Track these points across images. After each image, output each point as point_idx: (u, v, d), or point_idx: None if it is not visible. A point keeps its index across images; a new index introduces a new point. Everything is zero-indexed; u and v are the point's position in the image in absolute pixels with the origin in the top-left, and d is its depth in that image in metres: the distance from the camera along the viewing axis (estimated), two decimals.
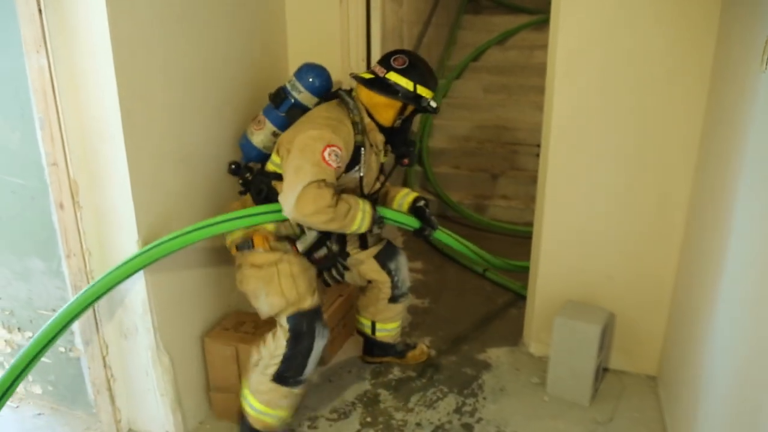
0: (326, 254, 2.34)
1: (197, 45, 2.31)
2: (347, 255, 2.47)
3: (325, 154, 2.13)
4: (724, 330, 1.86)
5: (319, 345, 2.30)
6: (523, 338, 3.14)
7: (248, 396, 2.32)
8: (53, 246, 2.24)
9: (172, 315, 2.32)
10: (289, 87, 2.41)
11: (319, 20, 2.96)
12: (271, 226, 2.30)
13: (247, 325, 2.56)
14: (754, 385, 1.58)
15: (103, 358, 2.34)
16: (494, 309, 3.54)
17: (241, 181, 2.41)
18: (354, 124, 2.29)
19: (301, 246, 2.30)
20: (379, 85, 2.30)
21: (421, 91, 2.31)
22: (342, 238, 2.43)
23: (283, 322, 2.27)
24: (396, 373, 2.88)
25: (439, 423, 2.52)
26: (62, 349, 2.44)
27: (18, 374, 1.94)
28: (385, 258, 2.66)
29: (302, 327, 2.26)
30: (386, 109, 2.35)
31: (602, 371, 2.76)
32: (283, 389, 2.29)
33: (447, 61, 6.20)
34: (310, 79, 2.40)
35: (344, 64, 3.00)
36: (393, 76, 2.29)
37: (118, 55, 1.92)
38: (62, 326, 2.00)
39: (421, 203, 2.58)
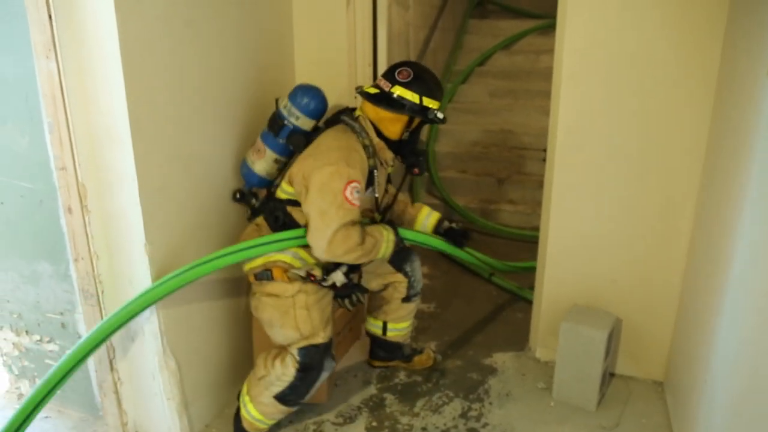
0: (346, 284, 2.37)
1: (205, 50, 2.32)
2: (365, 290, 2.53)
3: (347, 193, 2.15)
4: (731, 335, 1.85)
5: (324, 376, 2.35)
6: (529, 343, 3.13)
7: (247, 402, 2.37)
8: (61, 250, 2.25)
9: (178, 319, 2.33)
10: (285, 113, 2.39)
11: (325, 24, 2.97)
12: (288, 259, 2.31)
13: None
14: (762, 390, 1.58)
15: (110, 362, 2.35)
16: (500, 314, 3.53)
17: (249, 208, 2.44)
18: (365, 147, 2.30)
19: (330, 281, 2.33)
20: (385, 100, 2.30)
21: (428, 102, 2.31)
22: (360, 269, 2.49)
23: (294, 352, 2.29)
24: (402, 377, 2.88)
25: (445, 428, 2.52)
26: None
27: (24, 418, 1.91)
28: (399, 261, 2.69)
29: (313, 361, 2.29)
30: (393, 124, 2.35)
31: (608, 376, 2.75)
32: (282, 407, 2.35)
33: (453, 65, 6.20)
34: (305, 101, 2.37)
35: (351, 68, 3.01)
36: (398, 90, 2.29)
37: (126, 60, 1.93)
38: (72, 366, 2.00)
39: (452, 224, 2.69)
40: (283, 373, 2.29)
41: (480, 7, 7.03)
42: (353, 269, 2.38)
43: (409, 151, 2.47)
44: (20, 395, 2.67)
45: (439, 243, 2.62)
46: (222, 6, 2.39)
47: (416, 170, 2.49)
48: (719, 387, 1.91)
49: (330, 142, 2.28)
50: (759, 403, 1.59)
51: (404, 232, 2.46)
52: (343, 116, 2.36)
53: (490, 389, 2.77)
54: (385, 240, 2.31)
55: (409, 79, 2.30)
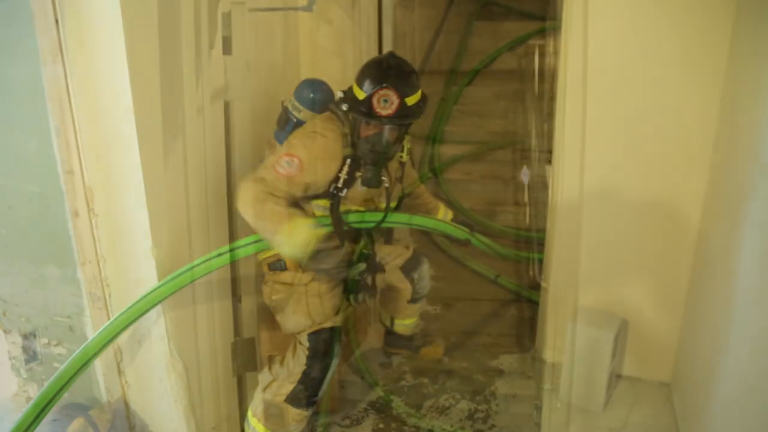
0: (359, 281, 2.40)
1: None
2: (373, 294, 2.54)
3: (279, 161, 2.13)
4: (738, 336, 1.85)
5: (335, 363, 2.34)
6: (535, 344, 3.12)
7: (253, 422, 2.32)
8: (68, 253, 2.26)
9: (185, 321, 2.33)
10: (290, 108, 2.43)
11: (331, 27, 2.97)
12: None
13: None
14: None
15: (118, 365, 2.35)
16: (506, 315, 3.53)
17: None
18: (344, 135, 2.23)
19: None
20: None
21: (356, 90, 2.23)
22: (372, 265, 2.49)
23: (304, 339, 2.28)
24: (408, 379, 2.88)
25: (452, 429, 2.52)
26: None
27: (32, 420, 1.91)
28: (410, 268, 2.73)
29: (322, 345, 2.28)
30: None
31: (615, 378, 2.74)
32: (295, 411, 2.28)
33: (458, 67, 6.20)
34: (310, 95, 2.40)
35: (356, 71, 3.00)
36: None
37: (133, 63, 1.93)
38: (83, 363, 2.01)
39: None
40: (295, 364, 2.28)
41: (485, 9, 7.02)
42: (369, 270, 2.41)
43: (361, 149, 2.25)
44: (28, 398, 2.67)
45: (447, 227, 2.59)
46: None
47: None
48: (726, 388, 1.90)
49: (302, 129, 2.28)
50: (766, 404, 1.59)
51: (419, 220, 2.44)
52: (332, 104, 2.32)
53: (497, 391, 2.77)
54: (295, 224, 2.09)
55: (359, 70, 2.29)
